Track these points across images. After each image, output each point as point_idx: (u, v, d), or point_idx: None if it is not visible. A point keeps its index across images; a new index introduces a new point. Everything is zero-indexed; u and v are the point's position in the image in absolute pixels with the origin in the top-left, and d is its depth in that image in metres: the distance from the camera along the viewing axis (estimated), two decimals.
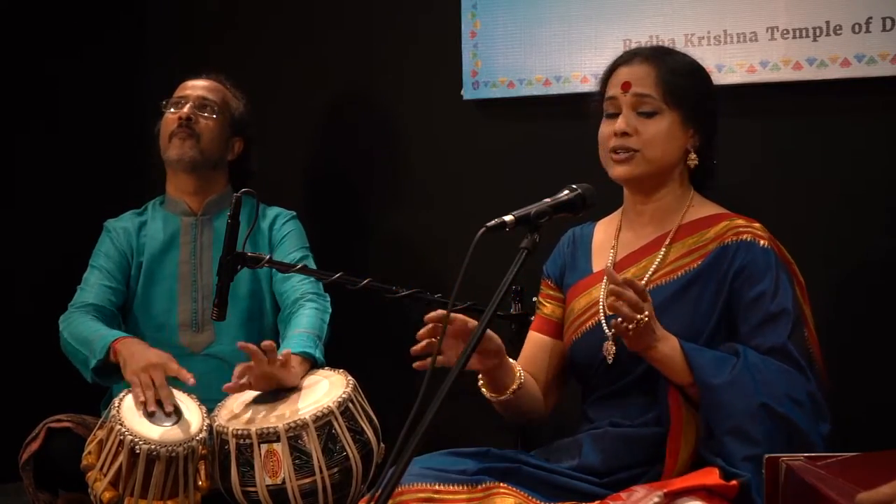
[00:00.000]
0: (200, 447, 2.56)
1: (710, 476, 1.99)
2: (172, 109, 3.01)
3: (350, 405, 2.58)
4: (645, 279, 2.20)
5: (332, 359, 2.84)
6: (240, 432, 2.52)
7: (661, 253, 2.22)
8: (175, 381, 2.70)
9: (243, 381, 2.61)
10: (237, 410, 2.62)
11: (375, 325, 3.41)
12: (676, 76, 2.22)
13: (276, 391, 2.65)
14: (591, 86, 2.99)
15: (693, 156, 2.23)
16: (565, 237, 2.43)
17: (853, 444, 2.04)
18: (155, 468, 2.48)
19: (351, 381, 2.65)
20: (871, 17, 2.63)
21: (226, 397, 2.70)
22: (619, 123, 2.21)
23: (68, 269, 3.09)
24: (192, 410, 2.64)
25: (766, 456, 1.89)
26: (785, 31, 2.74)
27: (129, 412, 2.57)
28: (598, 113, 2.31)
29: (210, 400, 2.71)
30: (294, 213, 3.10)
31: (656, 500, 1.90)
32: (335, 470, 2.52)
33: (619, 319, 2.01)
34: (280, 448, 2.49)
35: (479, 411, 3.25)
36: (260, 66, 3.61)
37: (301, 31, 3.61)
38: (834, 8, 2.67)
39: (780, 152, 2.81)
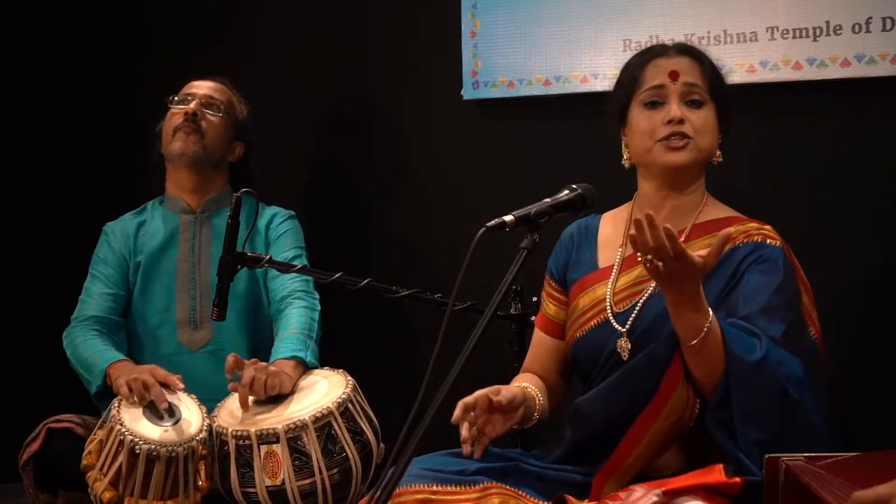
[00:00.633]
0: (200, 447, 2.56)
1: (712, 474, 1.98)
2: (179, 105, 3.02)
3: (349, 406, 2.58)
4: None
5: (332, 359, 2.85)
6: (239, 433, 2.52)
7: None
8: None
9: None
10: (237, 411, 2.62)
11: (375, 325, 3.41)
12: (715, 71, 2.26)
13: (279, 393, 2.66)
14: (591, 86, 3.00)
15: (718, 153, 2.26)
16: (567, 231, 2.41)
17: (853, 444, 2.05)
18: (155, 468, 2.48)
19: (350, 382, 2.65)
20: (871, 17, 2.63)
21: (226, 397, 2.71)
22: (674, 110, 2.20)
23: (68, 269, 3.10)
24: (192, 410, 2.64)
25: (767, 456, 1.89)
26: (785, 31, 2.74)
27: (129, 412, 2.57)
28: (621, 110, 2.29)
29: (210, 399, 2.71)
30: (292, 213, 3.10)
31: (655, 499, 1.90)
32: (335, 471, 2.52)
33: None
34: (279, 449, 2.49)
35: None
36: (260, 66, 3.61)
37: (301, 31, 3.61)
38: (834, 8, 2.67)
39: (781, 152, 2.81)
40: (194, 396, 2.70)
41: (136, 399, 2.61)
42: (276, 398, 2.64)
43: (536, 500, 2.08)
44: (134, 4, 3.88)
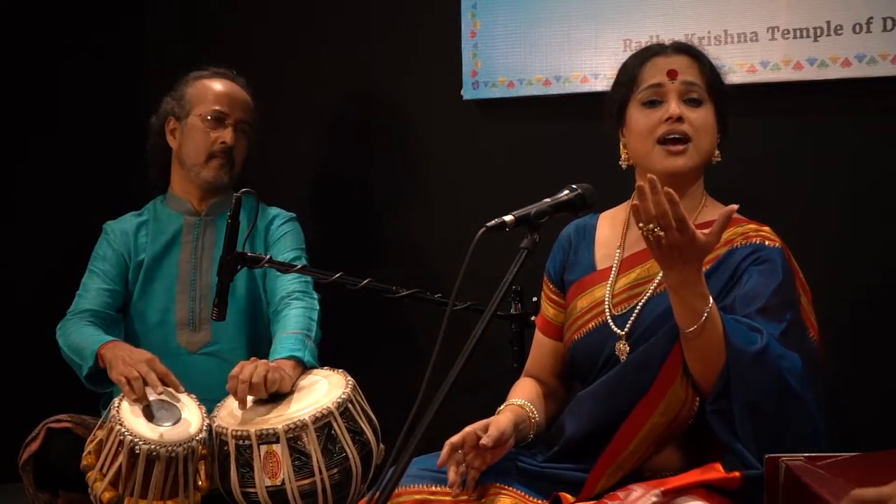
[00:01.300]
0: (200, 447, 2.56)
1: (711, 472, 1.97)
2: (212, 125, 2.98)
3: (349, 406, 2.58)
4: (656, 281, 2.19)
5: (332, 359, 2.84)
6: (239, 433, 2.52)
7: None
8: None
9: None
10: (237, 411, 2.62)
11: (375, 325, 3.41)
12: (713, 70, 2.25)
13: (274, 393, 2.65)
14: (591, 86, 3.00)
15: (717, 152, 2.25)
16: (565, 232, 2.40)
17: (853, 444, 2.04)
18: (155, 468, 2.48)
19: (350, 382, 2.65)
20: (871, 18, 2.63)
21: (225, 397, 2.70)
22: (673, 108, 2.19)
23: (68, 269, 3.09)
24: (191, 410, 2.64)
25: (767, 456, 1.89)
26: (786, 32, 2.74)
27: (128, 412, 2.57)
28: (619, 110, 2.29)
29: (209, 400, 2.71)
30: (293, 215, 3.10)
31: (654, 499, 1.90)
32: (335, 471, 2.52)
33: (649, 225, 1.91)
34: (279, 449, 2.49)
35: (479, 411, 3.26)
36: (260, 66, 3.60)
37: (301, 31, 3.61)
38: (835, 8, 2.67)
39: (781, 152, 2.81)
40: (194, 396, 2.70)
41: (134, 391, 2.60)
42: (276, 398, 2.64)
43: (535, 500, 2.08)
44: (134, 4, 3.88)
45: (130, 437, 2.48)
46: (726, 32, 2.81)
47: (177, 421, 2.58)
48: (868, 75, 2.64)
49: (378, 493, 1.70)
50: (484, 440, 2.06)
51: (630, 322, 2.19)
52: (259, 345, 2.96)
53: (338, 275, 2.60)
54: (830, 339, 2.26)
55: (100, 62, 3.79)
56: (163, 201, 3.09)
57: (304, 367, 2.75)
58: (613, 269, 2.27)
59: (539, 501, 2.07)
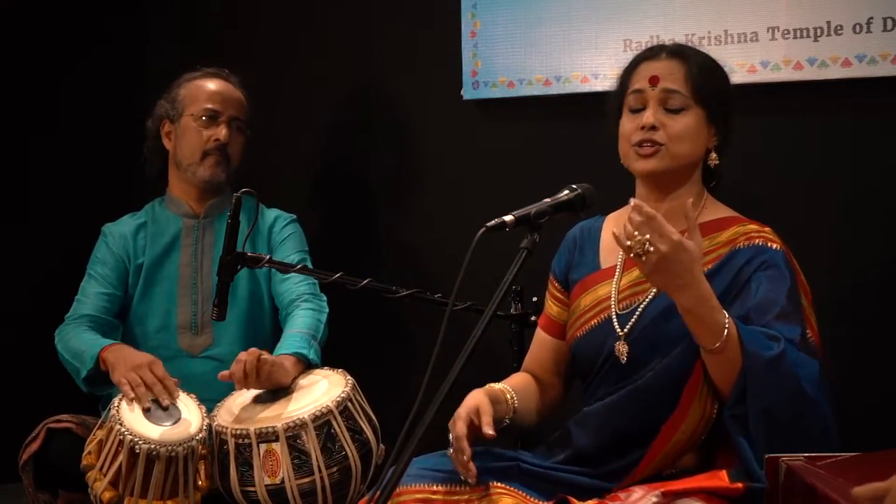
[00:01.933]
0: (200, 447, 2.56)
1: (715, 480, 1.97)
2: (204, 124, 2.98)
3: (349, 405, 2.58)
4: None
5: (332, 359, 2.85)
6: (239, 432, 2.52)
7: None
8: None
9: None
10: (236, 410, 2.62)
11: (375, 325, 3.41)
12: (703, 73, 2.23)
13: (275, 391, 2.66)
14: (591, 86, 3.00)
15: (714, 155, 2.24)
16: (572, 232, 2.41)
17: (853, 444, 2.04)
18: (155, 468, 2.48)
19: (350, 381, 2.65)
20: (872, 18, 2.63)
21: (225, 397, 2.71)
22: (647, 117, 2.20)
23: (68, 269, 3.09)
24: (191, 410, 2.64)
25: (767, 456, 1.89)
26: (786, 32, 2.74)
27: (128, 412, 2.57)
28: (616, 110, 2.30)
29: (209, 400, 2.71)
30: (294, 217, 3.10)
31: (654, 500, 1.90)
32: (334, 469, 2.52)
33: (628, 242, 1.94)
34: (279, 448, 2.49)
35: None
36: (260, 66, 3.60)
37: (301, 31, 3.61)
38: (835, 8, 2.66)
39: (781, 152, 2.81)
40: (194, 396, 2.70)
41: (137, 398, 2.60)
42: (275, 396, 2.64)
43: (537, 501, 2.08)
44: (134, 4, 3.88)
45: (130, 437, 2.48)
46: (726, 32, 2.81)
47: (177, 421, 2.58)
48: (868, 75, 2.64)
49: (378, 493, 1.70)
50: (486, 430, 2.07)
51: (631, 322, 2.19)
52: (260, 348, 2.96)
53: (338, 275, 2.60)
54: (830, 339, 2.26)
55: (100, 62, 3.79)
56: (161, 203, 3.09)
57: (306, 365, 2.75)
58: (618, 267, 2.28)
59: (541, 502, 2.07)
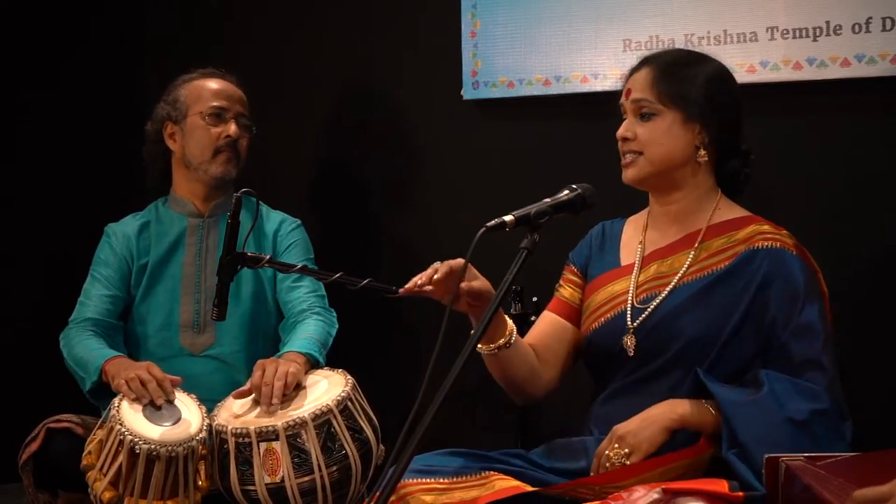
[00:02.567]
0: (200, 447, 2.56)
1: (715, 486, 1.98)
2: (212, 121, 2.97)
3: (349, 404, 2.58)
4: (679, 274, 2.22)
5: (332, 359, 2.85)
6: (239, 431, 2.52)
7: (693, 252, 2.23)
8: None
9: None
10: (236, 409, 2.62)
11: (375, 325, 3.41)
12: (668, 75, 2.23)
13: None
14: (590, 86, 3.01)
15: (702, 152, 2.24)
16: (595, 229, 2.45)
17: (853, 444, 2.05)
18: (155, 468, 2.48)
19: (350, 381, 2.65)
20: (871, 17, 2.63)
21: (225, 397, 2.70)
22: (620, 129, 2.27)
23: (69, 270, 3.09)
24: (191, 410, 2.64)
25: (766, 456, 1.89)
26: (785, 32, 2.74)
27: (129, 412, 2.57)
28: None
29: (210, 400, 2.71)
30: (299, 222, 3.09)
31: (655, 496, 1.90)
32: (334, 468, 2.52)
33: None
34: (279, 447, 2.49)
35: (479, 411, 3.26)
36: (260, 65, 3.60)
37: (301, 31, 3.61)
38: (834, 8, 2.67)
39: (780, 152, 2.81)
40: (194, 396, 2.70)
41: (135, 397, 2.61)
42: None
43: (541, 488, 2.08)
44: (134, 4, 3.88)
45: (130, 437, 2.48)
46: (726, 32, 2.81)
47: (177, 421, 2.58)
48: (867, 75, 2.64)
49: (380, 492, 1.70)
50: (465, 285, 2.12)
51: (642, 317, 2.23)
52: (261, 349, 2.96)
53: (338, 275, 2.59)
54: None
55: (100, 62, 3.79)
56: (164, 203, 3.09)
57: (312, 367, 2.76)
58: (636, 263, 2.30)
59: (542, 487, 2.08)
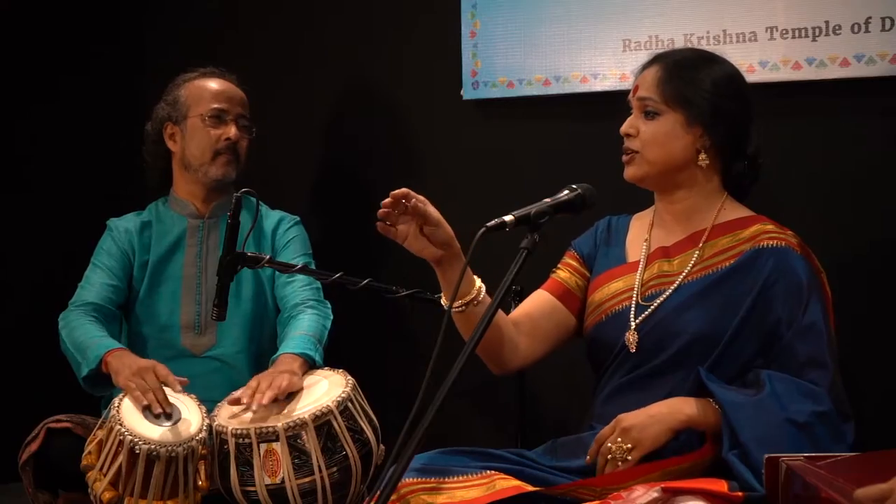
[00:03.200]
0: (200, 447, 2.56)
1: (715, 485, 1.98)
2: (212, 123, 2.98)
3: (349, 405, 2.58)
4: (684, 272, 2.23)
5: (333, 359, 2.85)
6: (239, 432, 2.52)
7: (698, 251, 2.24)
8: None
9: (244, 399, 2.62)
10: (237, 410, 2.62)
11: (375, 325, 3.41)
12: (674, 76, 2.24)
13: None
14: (590, 86, 3.01)
15: (703, 156, 2.24)
16: (602, 222, 2.45)
17: (856, 446, 2.05)
18: (155, 468, 2.48)
19: (350, 381, 2.65)
20: (870, 17, 2.63)
21: (225, 397, 2.70)
22: (624, 126, 2.27)
23: (68, 268, 3.09)
24: (191, 410, 2.64)
25: (766, 456, 1.89)
26: (784, 31, 2.74)
27: (128, 412, 2.57)
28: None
29: (210, 400, 2.71)
30: (297, 219, 3.10)
31: (655, 495, 1.90)
32: (334, 469, 2.52)
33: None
34: (279, 447, 2.49)
35: (479, 411, 3.26)
36: (260, 66, 3.60)
37: (301, 31, 3.61)
38: (833, 8, 2.67)
39: (780, 152, 2.80)
40: (194, 396, 2.70)
41: (138, 396, 2.60)
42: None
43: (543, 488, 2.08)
44: (134, 4, 3.88)
45: (130, 437, 2.48)
46: (725, 32, 2.81)
47: (177, 421, 2.58)
48: (867, 75, 2.64)
49: (380, 492, 1.70)
50: (415, 201, 2.12)
51: (645, 313, 2.23)
52: (263, 349, 2.96)
53: (338, 275, 2.60)
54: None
55: (100, 61, 3.79)
56: (164, 203, 3.09)
57: (310, 367, 2.75)
58: (641, 261, 2.31)
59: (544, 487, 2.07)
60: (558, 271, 2.43)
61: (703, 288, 2.20)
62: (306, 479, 2.50)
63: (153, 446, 2.48)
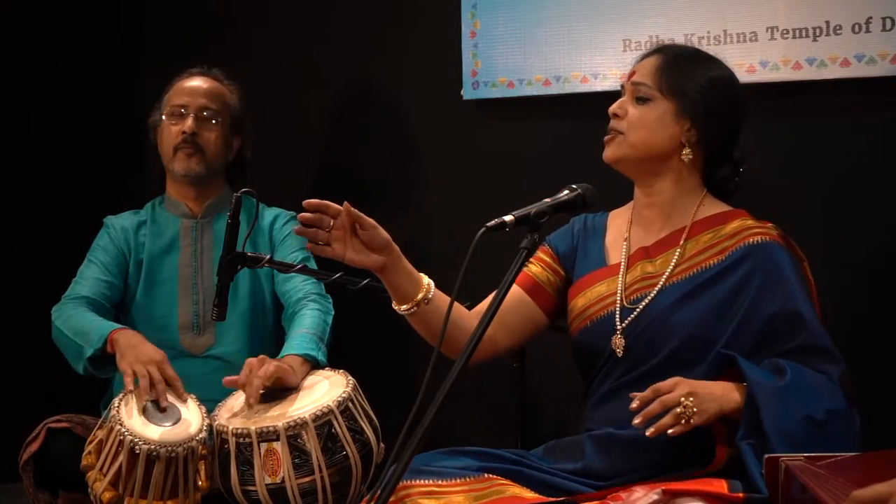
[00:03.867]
0: (200, 447, 2.56)
1: (714, 486, 1.97)
2: (173, 120, 2.99)
3: (350, 405, 2.58)
4: (665, 274, 2.21)
5: (333, 358, 2.85)
6: (239, 431, 2.52)
7: (679, 249, 2.22)
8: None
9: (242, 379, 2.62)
10: (237, 409, 2.63)
11: (375, 325, 3.40)
12: (674, 66, 2.23)
13: (276, 391, 2.66)
14: (590, 86, 3.01)
15: (687, 150, 2.22)
16: (578, 219, 2.41)
17: (860, 434, 2.05)
18: (155, 468, 2.48)
19: (351, 381, 2.65)
20: (870, 17, 2.63)
21: (226, 397, 2.71)
22: (613, 106, 2.25)
23: (68, 268, 3.09)
24: (191, 410, 2.64)
25: (766, 456, 1.89)
26: (785, 31, 2.74)
27: (128, 412, 2.57)
28: None
29: (210, 400, 2.71)
30: (294, 214, 3.10)
31: (655, 497, 1.90)
32: (334, 469, 2.52)
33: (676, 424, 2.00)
34: (280, 447, 2.49)
35: (480, 411, 3.26)
36: (260, 66, 3.61)
37: (301, 31, 3.61)
38: (834, 8, 2.67)
39: (780, 152, 2.81)
40: (194, 396, 2.70)
41: (138, 392, 2.60)
42: (277, 396, 2.64)
43: (536, 494, 2.07)
44: (134, 3, 3.88)
45: (130, 437, 2.48)
46: (725, 32, 2.81)
47: (177, 421, 2.59)
48: (867, 75, 2.64)
49: (379, 492, 1.70)
50: (344, 208, 2.09)
51: (631, 318, 2.21)
52: (262, 347, 2.96)
53: (338, 275, 2.60)
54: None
55: (100, 60, 3.79)
56: (160, 203, 3.10)
57: (313, 366, 2.75)
58: (623, 262, 2.29)
59: (543, 497, 2.07)
60: (530, 265, 2.39)
61: (690, 289, 2.18)
62: (306, 479, 2.50)
63: (153, 446, 2.48)
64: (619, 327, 2.21)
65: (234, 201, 2.55)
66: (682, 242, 2.23)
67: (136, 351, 2.67)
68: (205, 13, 3.79)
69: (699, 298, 2.17)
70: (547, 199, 2.04)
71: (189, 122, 2.96)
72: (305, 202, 2.08)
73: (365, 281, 2.61)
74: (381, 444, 2.63)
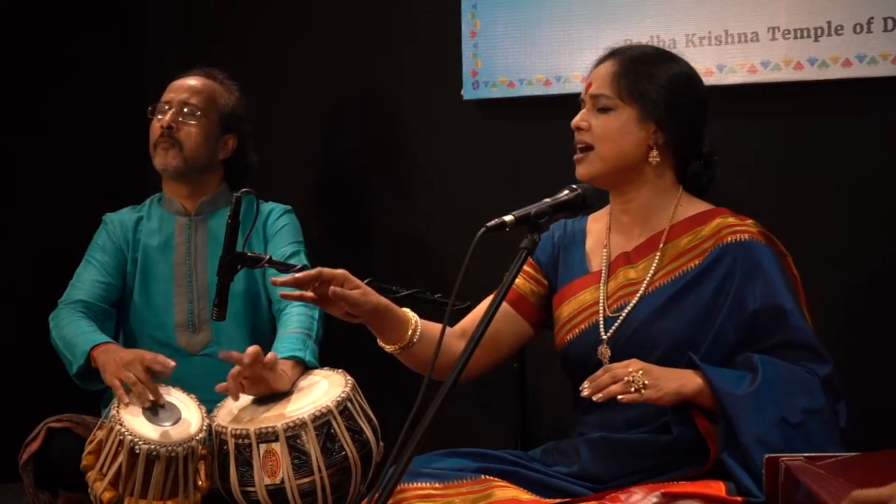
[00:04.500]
0: (200, 447, 2.56)
1: (712, 488, 1.97)
2: (157, 116, 2.99)
3: (349, 405, 2.58)
4: (646, 280, 2.19)
5: (332, 359, 2.84)
6: (238, 432, 2.52)
7: (658, 254, 2.21)
8: (175, 381, 2.71)
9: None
10: (236, 410, 2.62)
11: None
12: (630, 71, 2.20)
13: (275, 392, 2.65)
14: None
15: (654, 153, 2.20)
16: (557, 226, 2.36)
17: (853, 444, 2.04)
18: (155, 468, 2.48)
19: (350, 381, 2.65)
20: (872, 18, 2.63)
21: (225, 397, 2.70)
22: (575, 118, 2.24)
23: (68, 267, 3.09)
24: (191, 410, 2.64)
25: (766, 456, 1.89)
26: (786, 32, 2.74)
27: (128, 412, 2.57)
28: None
29: (209, 400, 2.71)
30: (289, 207, 3.09)
31: (654, 500, 1.90)
32: (334, 470, 2.52)
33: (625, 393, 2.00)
34: (279, 448, 2.49)
35: (479, 411, 3.26)
36: (259, 65, 3.61)
37: (300, 31, 3.61)
38: (835, 8, 2.66)
39: (781, 152, 2.81)
40: (194, 396, 2.70)
41: (134, 398, 2.60)
42: (275, 397, 2.64)
43: (535, 496, 2.07)
44: (134, 3, 3.88)
45: (130, 437, 2.48)
46: (727, 32, 2.81)
47: (177, 421, 2.59)
48: (869, 75, 2.64)
49: (379, 493, 1.70)
50: (335, 289, 2.12)
51: (615, 326, 2.20)
52: (260, 344, 2.95)
53: None
54: (829, 340, 2.26)
55: (100, 60, 3.79)
56: (159, 201, 3.10)
57: (304, 367, 2.75)
58: (603, 271, 2.27)
59: (541, 499, 2.06)
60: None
61: (671, 294, 2.16)
62: (306, 480, 2.50)
63: (153, 446, 2.48)
64: (604, 337, 2.20)
65: (235, 201, 2.54)
66: (661, 246, 2.21)
67: (115, 361, 2.68)
68: (205, 13, 3.79)
69: (681, 304, 2.15)
70: (547, 199, 2.03)
71: (167, 117, 2.96)
72: (297, 278, 2.13)
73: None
74: (381, 444, 2.63)
